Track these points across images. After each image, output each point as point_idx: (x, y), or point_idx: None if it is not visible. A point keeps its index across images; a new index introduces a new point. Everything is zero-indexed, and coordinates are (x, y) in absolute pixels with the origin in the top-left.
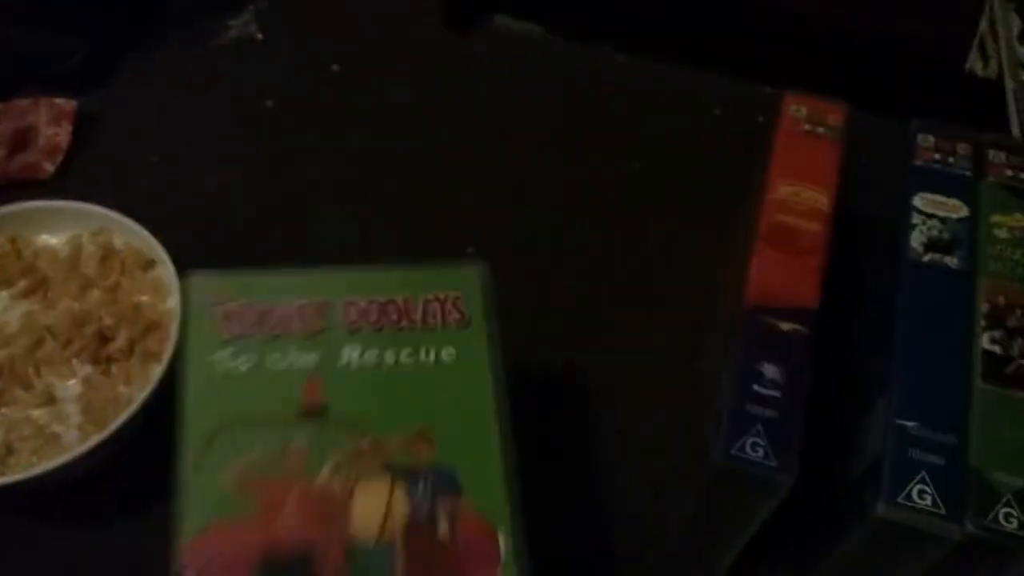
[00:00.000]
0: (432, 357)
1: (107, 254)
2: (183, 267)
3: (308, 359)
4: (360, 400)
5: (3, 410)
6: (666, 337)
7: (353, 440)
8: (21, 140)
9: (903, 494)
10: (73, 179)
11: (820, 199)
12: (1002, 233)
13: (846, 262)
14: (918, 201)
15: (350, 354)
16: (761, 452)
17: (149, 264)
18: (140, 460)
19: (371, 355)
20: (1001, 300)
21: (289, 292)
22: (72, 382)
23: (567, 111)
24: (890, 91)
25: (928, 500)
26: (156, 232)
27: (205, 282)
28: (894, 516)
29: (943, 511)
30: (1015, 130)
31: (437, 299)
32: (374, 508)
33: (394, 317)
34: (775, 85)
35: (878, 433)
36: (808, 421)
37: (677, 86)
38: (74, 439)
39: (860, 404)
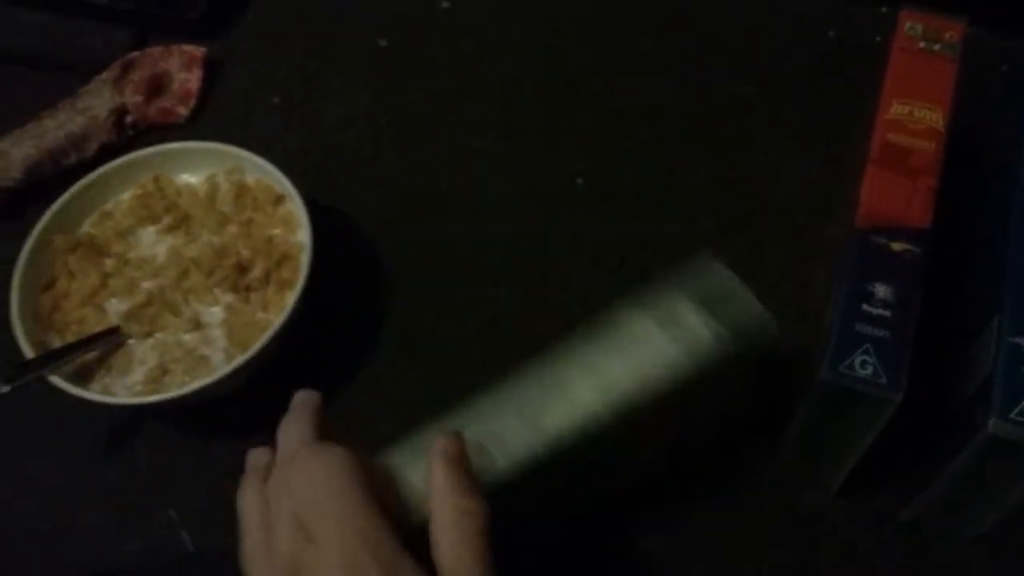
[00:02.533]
0: None
1: (240, 191)
2: (311, 200)
3: None
4: None
5: (157, 335)
6: (778, 264)
7: None
8: (157, 86)
9: (1016, 411)
10: (205, 121)
11: (934, 117)
12: None
13: (961, 181)
14: None
15: None
16: (870, 370)
17: (279, 199)
18: (277, 381)
19: None
20: None
21: None
22: (216, 309)
23: (678, 35)
24: (1013, 8)
25: None
26: (284, 169)
27: None
28: (1007, 433)
29: None
30: None
31: None
32: None
33: None
34: (892, 5)
35: (991, 352)
36: (919, 341)
37: (791, 7)
38: (220, 360)
39: (973, 324)
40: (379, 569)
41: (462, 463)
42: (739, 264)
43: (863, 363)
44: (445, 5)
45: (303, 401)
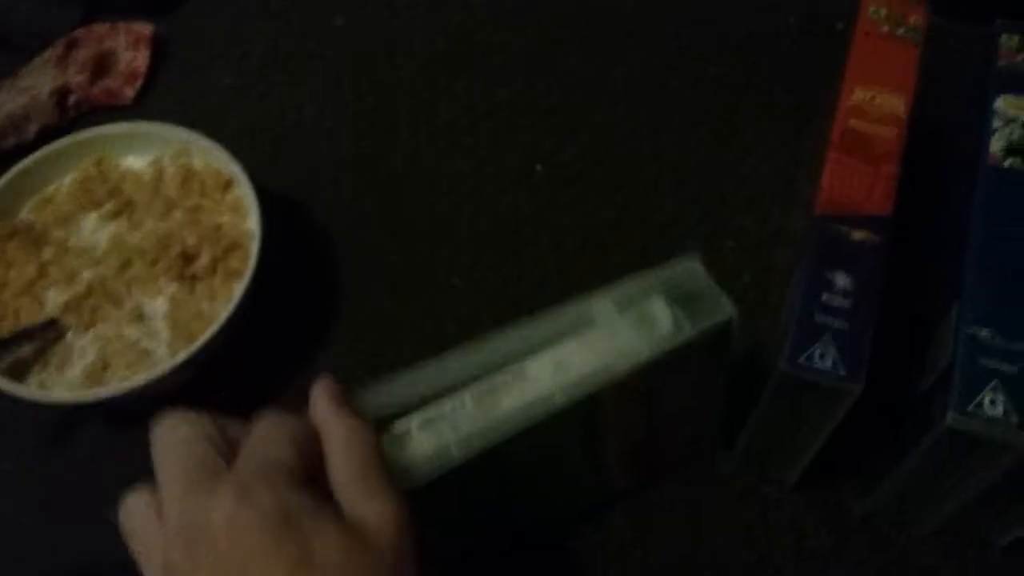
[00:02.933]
0: None
1: (187, 175)
2: (261, 185)
3: None
4: None
5: (97, 327)
6: (738, 250)
7: None
8: (101, 65)
9: (974, 403)
10: (152, 103)
11: (897, 104)
12: None
13: (923, 168)
14: (999, 103)
15: None
16: (829, 362)
17: (228, 184)
18: (224, 375)
19: None
20: None
21: None
22: (159, 300)
23: (640, 20)
24: None
25: (1000, 409)
26: (235, 153)
27: None
28: (964, 426)
29: (1016, 420)
30: None
31: None
32: None
33: None
34: None
35: (949, 343)
36: (880, 330)
37: None
38: (164, 354)
39: (933, 314)
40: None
41: (343, 395)
42: (701, 249)
43: (822, 354)
44: None
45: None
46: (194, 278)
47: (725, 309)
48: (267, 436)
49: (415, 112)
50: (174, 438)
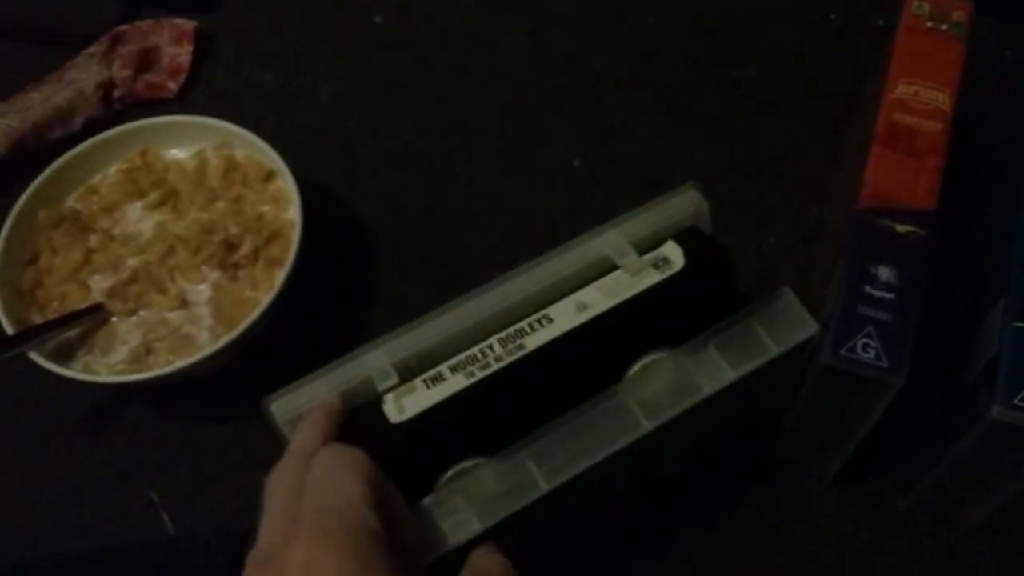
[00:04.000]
0: None
1: (230, 167)
2: (301, 177)
3: None
4: None
5: (141, 313)
6: (778, 246)
7: None
8: (146, 60)
9: (1020, 396)
10: (195, 97)
11: (941, 98)
12: None
13: (968, 163)
14: None
15: None
16: (872, 353)
17: (269, 175)
18: (265, 360)
19: None
20: None
21: None
22: (202, 287)
23: (677, 16)
24: None
25: None
26: (275, 145)
27: None
28: (1010, 419)
29: None
30: None
31: None
32: None
33: None
34: None
35: (995, 336)
36: (923, 324)
37: None
38: (206, 339)
39: (979, 307)
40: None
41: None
42: (739, 246)
43: (865, 346)
44: None
45: (322, 405)
46: (236, 266)
47: (809, 326)
48: (338, 474)
49: (452, 109)
50: (276, 478)
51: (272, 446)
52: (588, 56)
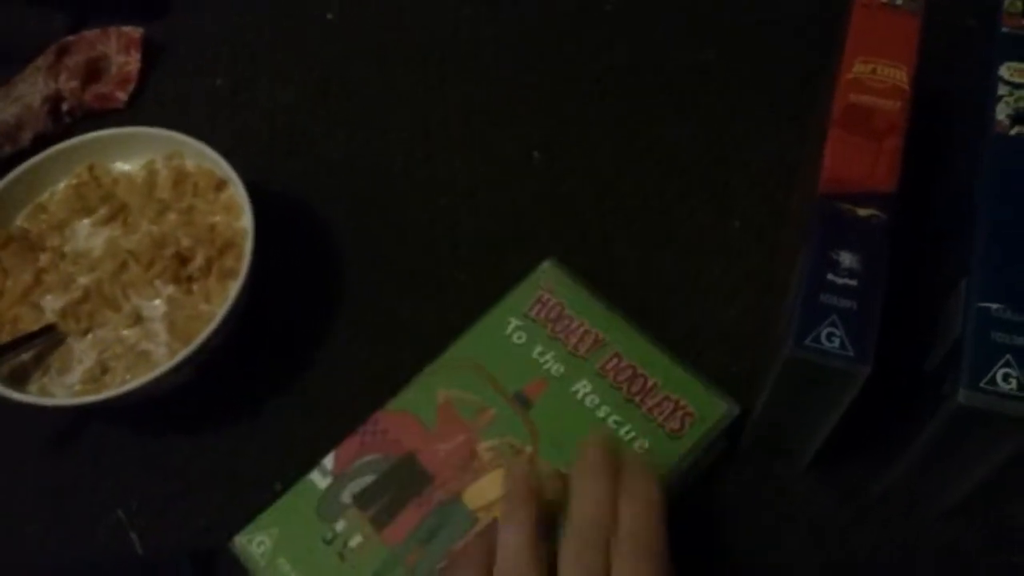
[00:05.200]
0: (629, 436)
1: (180, 177)
2: (258, 183)
3: (555, 367)
4: (557, 422)
5: (96, 331)
6: (744, 230)
7: (520, 450)
8: (93, 71)
9: (986, 379)
10: (146, 106)
11: (898, 75)
12: None
13: (929, 140)
14: (1004, 71)
15: (582, 387)
16: (837, 343)
17: (221, 184)
18: (227, 373)
19: (592, 400)
20: None
21: (590, 316)
22: (157, 302)
23: (638, 2)
24: None
25: (1013, 384)
26: (226, 153)
27: (553, 270)
28: (976, 403)
29: None
30: None
31: (676, 404)
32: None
33: (634, 389)
34: None
35: (959, 318)
36: (887, 309)
37: None
38: (163, 355)
39: (943, 289)
40: None
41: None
42: (704, 233)
43: (829, 335)
44: None
45: (520, 493)
46: (190, 279)
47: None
48: None
49: (408, 107)
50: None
51: (237, 460)
52: (547, 46)
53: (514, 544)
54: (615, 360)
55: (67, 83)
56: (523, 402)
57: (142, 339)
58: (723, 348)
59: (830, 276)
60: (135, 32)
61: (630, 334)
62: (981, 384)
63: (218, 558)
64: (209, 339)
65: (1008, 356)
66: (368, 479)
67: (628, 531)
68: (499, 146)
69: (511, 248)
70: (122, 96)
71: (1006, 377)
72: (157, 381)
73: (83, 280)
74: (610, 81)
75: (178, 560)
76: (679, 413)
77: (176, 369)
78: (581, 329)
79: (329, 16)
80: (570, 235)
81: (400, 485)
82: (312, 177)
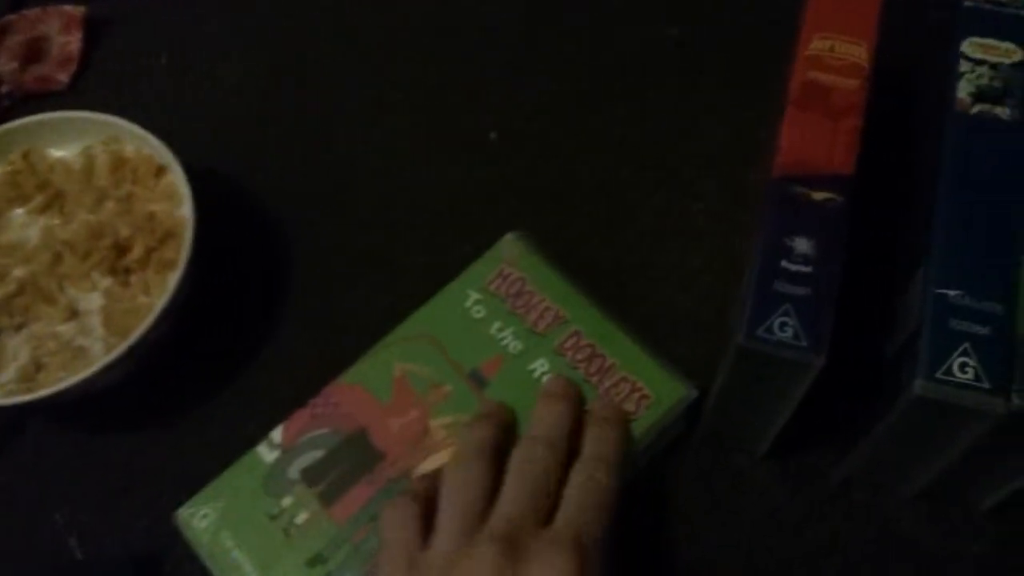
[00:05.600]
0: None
1: (118, 163)
2: (205, 168)
3: (513, 344)
4: (513, 402)
5: (30, 326)
6: (706, 212)
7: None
8: (34, 51)
9: (943, 368)
10: (88, 87)
11: (858, 52)
12: None
13: (890, 120)
14: (966, 47)
15: (539, 366)
16: (790, 332)
17: (160, 171)
18: (168, 367)
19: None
20: None
21: (552, 292)
22: (93, 295)
23: None
24: None
25: (971, 374)
26: (168, 137)
27: (515, 244)
28: (933, 393)
29: (987, 385)
30: None
31: (633, 385)
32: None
33: (592, 369)
34: None
35: (917, 304)
36: (843, 295)
37: None
38: (99, 351)
39: (903, 274)
40: None
41: None
42: (666, 215)
43: (783, 325)
44: None
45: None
46: (128, 271)
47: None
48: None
49: (361, 88)
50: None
51: (180, 458)
52: (503, 24)
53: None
54: (574, 339)
55: (6, 65)
56: (479, 380)
57: (78, 334)
58: (684, 330)
59: (783, 263)
60: (77, 11)
61: (591, 312)
62: (938, 374)
63: (163, 560)
64: (147, 333)
65: (966, 345)
66: (317, 454)
67: (591, 453)
68: (454, 126)
69: (468, 230)
70: (63, 78)
71: (963, 367)
72: (93, 378)
73: (17, 273)
74: (568, 60)
75: (120, 565)
76: (636, 395)
77: (112, 365)
78: (542, 305)
79: None
80: (529, 217)
81: (350, 461)
82: (261, 160)
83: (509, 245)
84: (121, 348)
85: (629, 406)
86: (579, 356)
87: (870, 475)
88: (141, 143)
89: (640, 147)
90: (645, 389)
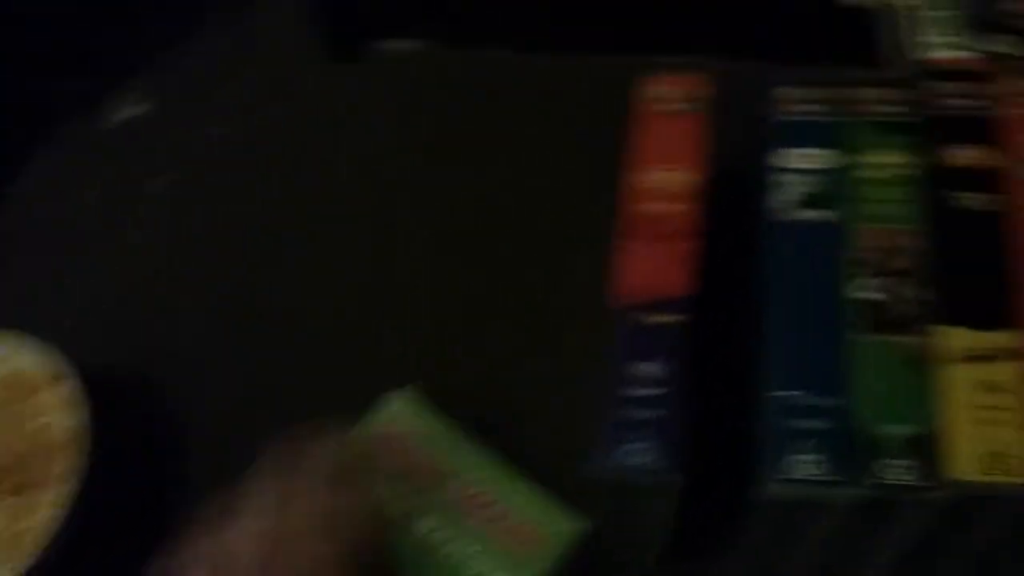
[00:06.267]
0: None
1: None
2: (91, 377)
3: (400, 506)
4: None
5: None
6: (566, 352)
7: None
8: None
9: (788, 467)
10: None
11: (687, 179)
12: (876, 174)
13: (725, 238)
14: (783, 158)
15: (428, 525)
16: (648, 456)
17: (52, 381)
18: None
19: (441, 537)
20: (878, 245)
21: (438, 447)
22: None
23: (471, 121)
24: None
25: (813, 469)
26: (64, 348)
27: (398, 404)
28: (782, 494)
29: (831, 477)
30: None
31: (524, 526)
32: None
33: (484, 517)
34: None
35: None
36: (697, 414)
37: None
38: None
39: (751, 384)
40: None
41: None
42: (545, 356)
43: (640, 450)
44: (218, 132)
45: None
46: (12, 491)
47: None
48: None
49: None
50: None
51: None
52: (394, 173)
53: None
54: (465, 489)
55: None
56: None
57: None
58: (570, 466)
59: (634, 389)
60: None
61: (477, 461)
62: (783, 474)
63: None
64: (38, 558)
65: (806, 441)
66: None
67: None
68: (313, 273)
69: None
70: None
71: (806, 463)
72: None
73: None
74: (415, 219)
75: None
76: (527, 537)
77: None
78: (428, 462)
79: (160, 183)
80: (407, 375)
81: None
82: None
83: (391, 404)
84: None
85: (524, 547)
86: (470, 506)
87: None
88: (30, 353)
89: (514, 282)
90: (537, 530)
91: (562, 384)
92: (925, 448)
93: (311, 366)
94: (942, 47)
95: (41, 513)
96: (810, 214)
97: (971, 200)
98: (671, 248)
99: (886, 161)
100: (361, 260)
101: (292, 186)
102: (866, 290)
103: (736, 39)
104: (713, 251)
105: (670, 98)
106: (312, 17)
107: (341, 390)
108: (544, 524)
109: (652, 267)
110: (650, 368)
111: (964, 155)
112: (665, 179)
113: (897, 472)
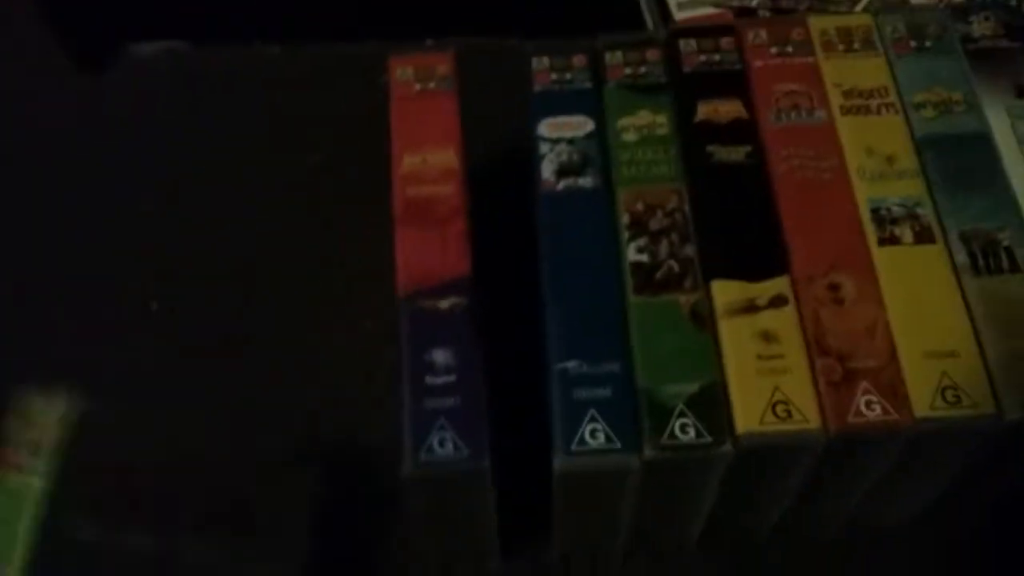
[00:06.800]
0: None
1: None
2: None
3: None
4: None
5: None
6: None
7: None
8: None
9: (576, 440)
10: None
11: (448, 158)
12: (630, 136)
13: (495, 212)
14: (543, 128)
15: None
16: (451, 447)
17: None
18: None
19: None
20: (640, 206)
21: None
22: None
23: (241, 119)
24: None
25: (602, 438)
26: None
27: None
28: (573, 467)
29: (619, 444)
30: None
31: None
32: None
33: None
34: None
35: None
36: (507, 393)
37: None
38: None
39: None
40: None
41: None
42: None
43: (442, 441)
44: None
45: None
46: None
47: None
48: None
49: None
50: None
51: None
52: (157, 177)
53: None
54: None
55: None
56: None
57: None
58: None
59: (428, 379)
60: None
61: None
62: (572, 447)
63: None
64: None
65: (592, 411)
66: None
67: None
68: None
69: None
70: None
71: (593, 433)
72: None
73: None
74: (228, 200)
75: None
76: None
77: None
78: None
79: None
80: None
81: None
82: None
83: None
84: None
85: None
86: None
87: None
88: None
89: (279, 284)
90: None
91: (357, 376)
92: (709, 404)
93: None
94: (688, 6)
95: None
96: (575, 182)
97: (728, 153)
98: (444, 231)
99: (641, 122)
100: (133, 273)
101: (45, 196)
102: (634, 252)
103: (489, 13)
104: (488, 229)
105: (418, 78)
106: (51, 27)
107: None
108: None
109: (428, 251)
110: (441, 355)
111: (718, 110)
112: (427, 161)
113: (685, 431)
